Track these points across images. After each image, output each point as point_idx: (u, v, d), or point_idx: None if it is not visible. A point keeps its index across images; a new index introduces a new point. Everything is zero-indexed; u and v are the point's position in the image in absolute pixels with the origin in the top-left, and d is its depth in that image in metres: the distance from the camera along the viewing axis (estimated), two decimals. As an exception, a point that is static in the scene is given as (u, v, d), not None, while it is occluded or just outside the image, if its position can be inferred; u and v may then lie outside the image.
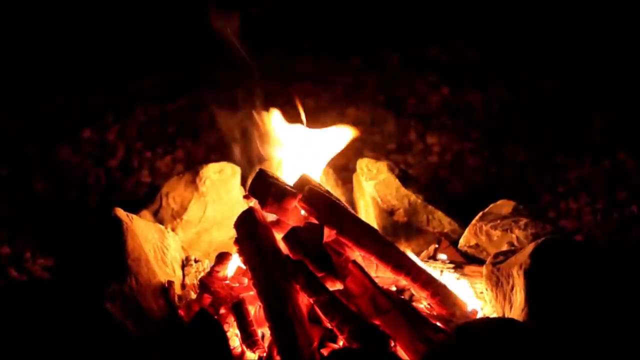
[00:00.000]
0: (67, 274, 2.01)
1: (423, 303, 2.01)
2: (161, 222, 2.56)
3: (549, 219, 2.80)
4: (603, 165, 3.17)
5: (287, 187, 2.07)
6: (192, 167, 2.77)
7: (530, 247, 1.86)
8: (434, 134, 3.52)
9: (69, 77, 3.89)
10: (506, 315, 1.87)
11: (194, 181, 2.66)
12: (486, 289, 2.04)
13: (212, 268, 2.16)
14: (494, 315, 1.97)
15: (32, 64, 3.93)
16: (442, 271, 2.23)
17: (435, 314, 1.93)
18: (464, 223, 2.50)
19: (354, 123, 3.65)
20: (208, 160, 2.76)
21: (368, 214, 2.69)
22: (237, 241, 2.02)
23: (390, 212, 2.63)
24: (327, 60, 4.05)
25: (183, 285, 2.35)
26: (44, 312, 1.84)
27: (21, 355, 1.78)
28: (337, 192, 2.52)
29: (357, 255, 2.03)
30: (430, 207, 2.60)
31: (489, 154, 3.36)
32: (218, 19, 2.50)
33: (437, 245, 2.48)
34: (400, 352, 1.73)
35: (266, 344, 1.86)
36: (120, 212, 2.14)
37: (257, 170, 2.11)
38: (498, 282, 1.96)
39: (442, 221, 2.56)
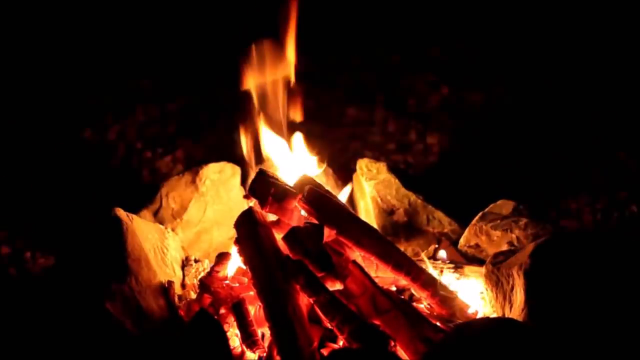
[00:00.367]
0: (67, 273, 2.01)
1: (423, 303, 2.01)
2: (161, 222, 2.56)
3: (549, 219, 2.79)
4: (603, 165, 3.17)
5: (287, 187, 2.07)
6: (192, 167, 2.77)
7: (530, 247, 1.86)
8: (434, 134, 3.52)
9: (69, 77, 3.89)
10: (506, 315, 1.87)
11: (194, 181, 2.66)
12: (486, 289, 2.04)
13: (212, 268, 2.16)
14: (494, 315, 1.97)
15: (32, 64, 3.93)
16: (442, 271, 2.23)
17: (435, 314, 1.93)
18: (464, 223, 2.50)
19: (354, 123, 3.68)
20: (208, 160, 2.76)
21: (368, 214, 2.69)
22: (237, 241, 2.02)
23: (390, 212, 2.63)
24: (327, 60, 4.04)
25: (183, 285, 2.35)
26: (44, 311, 1.85)
27: (22, 355, 1.78)
28: (337, 192, 2.52)
29: (357, 255, 2.03)
30: (430, 207, 2.60)
31: (489, 154, 3.36)
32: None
33: (437, 245, 2.48)
34: (400, 352, 1.73)
35: (266, 344, 1.86)
36: (120, 212, 2.14)
37: (257, 170, 2.11)
38: (498, 282, 1.96)
39: (442, 221, 2.57)
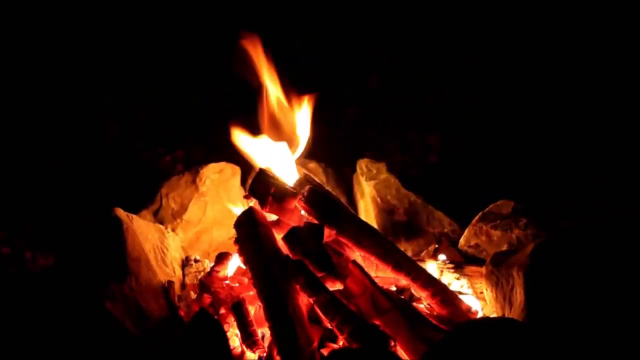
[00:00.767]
0: (67, 273, 2.01)
1: (423, 303, 2.01)
2: (161, 222, 2.56)
3: (549, 219, 2.79)
4: (603, 165, 3.17)
5: (287, 187, 2.07)
6: (192, 167, 2.77)
7: (530, 247, 1.86)
8: (434, 134, 3.52)
9: (69, 77, 3.89)
10: (506, 315, 1.87)
11: (194, 181, 2.66)
12: (486, 289, 2.04)
13: (212, 268, 2.16)
14: (494, 315, 1.97)
15: (33, 65, 3.93)
16: (442, 271, 2.23)
17: (435, 314, 1.93)
18: (464, 223, 2.50)
19: (354, 123, 3.68)
20: (208, 160, 2.76)
21: (368, 214, 2.69)
22: (237, 241, 2.02)
23: (390, 212, 2.63)
24: (328, 60, 4.05)
25: (183, 285, 2.35)
26: (44, 311, 1.84)
27: (22, 355, 1.78)
28: (337, 192, 2.52)
29: (357, 255, 2.03)
30: (430, 207, 2.60)
31: (489, 154, 3.36)
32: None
33: (437, 245, 2.48)
34: (400, 352, 1.73)
35: (266, 344, 1.86)
36: (120, 212, 2.14)
37: (258, 170, 2.11)
38: (498, 282, 1.96)
39: (442, 221, 2.57)
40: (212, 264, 2.18)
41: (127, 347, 1.77)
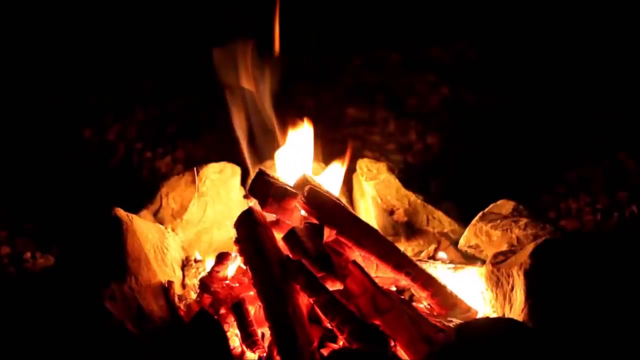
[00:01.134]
0: (67, 274, 2.01)
1: (423, 303, 2.01)
2: (161, 222, 2.56)
3: (549, 219, 2.79)
4: (603, 165, 3.17)
5: (287, 187, 2.07)
6: (192, 167, 2.77)
7: (530, 247, 1.86)
8: (434, 134, 3.52)
9: (69, 77, 3.89)
10: (506, 315, 1.87)
11: (194, 181, 2.66)
12: (486, 289, 2.04)
13: (212, 268, 2.16)
14: (494, 315, 1.97)
15: (33, 64, 3.93)
16: (442, 271, 2.23)
17: (435, 314, 1.93)
18: (464, 223, 2.50)
19: (354, 123, 3.68)
20: (208, 160, 2.76)
21: (368, 214, 2.69)
22: (237, 241, 2.02)
23: (390, 212, 2.63)
24: (327, 60, 4.04)
25: (183, 285, 2.35)
26: (43, 312, 1.84)
27: (21, 355, 1.78)
28: (337, 192, 2.51)
29: (357, 255, 2.03)
30: (430, 207, 2.60)
31: (489, 154, 3.36)
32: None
33: (437, 245, 2.48)
34: (400, 352, 1.73)
35: (266, 344, 1.86)
36: (120, 212, 2.14)
37: (257, 170, 2.11)
38: (498, 282, 1.96)
39: (442, 221, 2.56)
40: (212, 264, 2.18)
41: (127, 347, 1.77)
